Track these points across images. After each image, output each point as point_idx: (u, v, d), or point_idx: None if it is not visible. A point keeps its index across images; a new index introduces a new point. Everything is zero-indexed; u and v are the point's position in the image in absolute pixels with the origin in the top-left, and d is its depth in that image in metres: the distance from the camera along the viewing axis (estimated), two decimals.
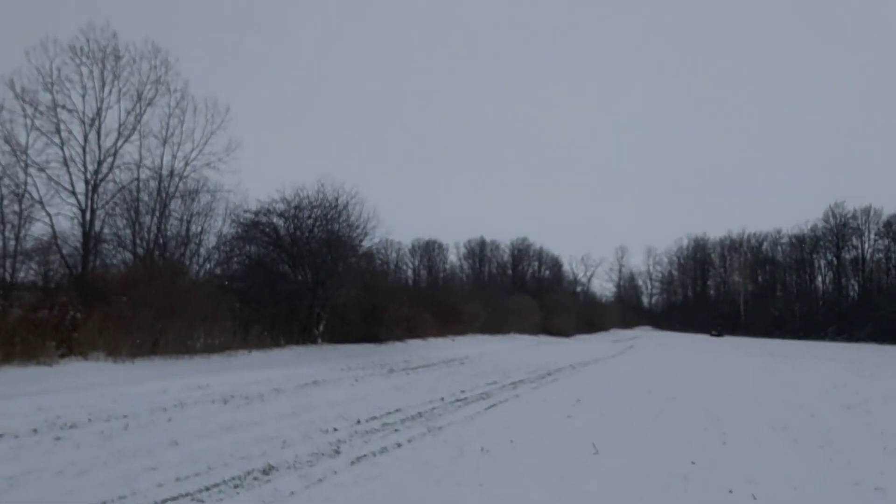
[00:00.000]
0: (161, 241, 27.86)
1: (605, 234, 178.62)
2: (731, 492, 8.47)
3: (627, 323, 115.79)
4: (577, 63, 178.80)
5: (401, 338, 33.61)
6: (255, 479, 8.42)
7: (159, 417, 12.50)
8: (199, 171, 29.36)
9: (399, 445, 10.69)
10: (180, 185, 28.99)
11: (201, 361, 20.16)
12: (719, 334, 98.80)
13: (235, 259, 29.15)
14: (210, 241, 30.28)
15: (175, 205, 28.79)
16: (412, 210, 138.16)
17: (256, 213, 29.46)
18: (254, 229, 29.10)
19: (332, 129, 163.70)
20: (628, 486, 8.69)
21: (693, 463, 10.15)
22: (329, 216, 30.18)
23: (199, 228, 29.67)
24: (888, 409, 17.93)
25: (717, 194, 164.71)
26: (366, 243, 31.93)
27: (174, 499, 7.43)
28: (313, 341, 27.87)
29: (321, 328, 28.66)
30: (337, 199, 30.38)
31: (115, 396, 14.58)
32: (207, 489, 7.85)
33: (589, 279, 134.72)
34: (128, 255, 27.65)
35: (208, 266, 30.17)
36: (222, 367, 19.60)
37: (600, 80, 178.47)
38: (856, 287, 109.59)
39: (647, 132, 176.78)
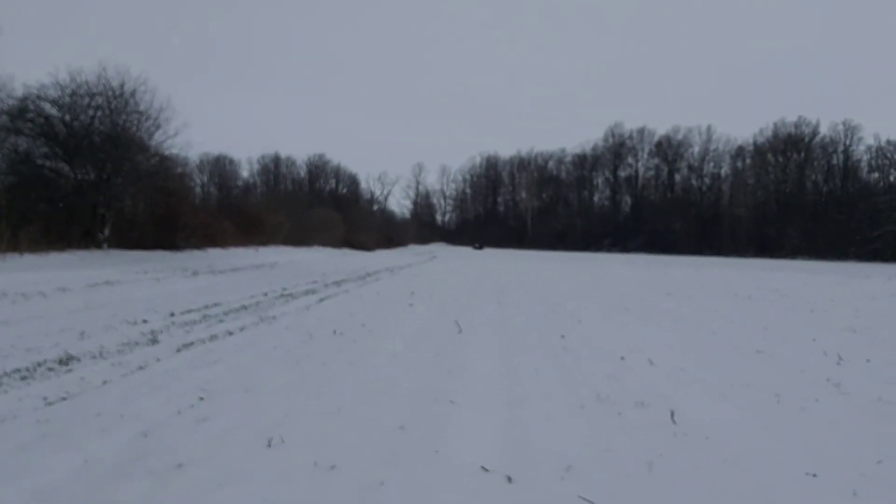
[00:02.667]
0: None
1: (402, 153, 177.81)
2: (681, 370, 7.68)
3: (424, 239, 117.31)
4: None
5: (199, 246, 30.51)
6: (50, 369, 6.35)
7: None
8: None
9: (231, 333, 8.90)
10: None
11: None
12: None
13: None
14: None
15: None
16: (197, 123, 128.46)
17: (23, 100, 24.66)
18: (20, 119, 24.39)
19: (107, 34, 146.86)
20: (508, 362, 7.64)
21: (563, 337, 9.40)
22: (113, 106, 26.05)
23: None
24: (703, 294, 18.72)
25: (509, 114, 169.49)
26: (158, 137, 28.06)
27: None
28: (98, 246, 24.27)
29: (106, 232, 25.02)
30: (122, 86, 26.25)
31: None
32: None
33: (386, 197, 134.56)
34: None
35: None
36: None
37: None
38: (629, 202, 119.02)
39: (443, 53, 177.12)
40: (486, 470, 3.88)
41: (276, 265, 27.56)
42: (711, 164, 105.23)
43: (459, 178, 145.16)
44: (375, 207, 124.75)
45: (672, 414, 5.20)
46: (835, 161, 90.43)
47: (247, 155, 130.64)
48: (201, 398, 5.38)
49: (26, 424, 4.59)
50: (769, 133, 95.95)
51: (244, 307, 12.03)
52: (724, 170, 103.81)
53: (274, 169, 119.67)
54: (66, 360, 6.72)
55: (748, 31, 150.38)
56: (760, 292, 19.91)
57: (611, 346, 8.67)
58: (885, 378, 7.05)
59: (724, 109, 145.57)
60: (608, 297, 16.61)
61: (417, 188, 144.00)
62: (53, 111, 25.44)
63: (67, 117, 25.63)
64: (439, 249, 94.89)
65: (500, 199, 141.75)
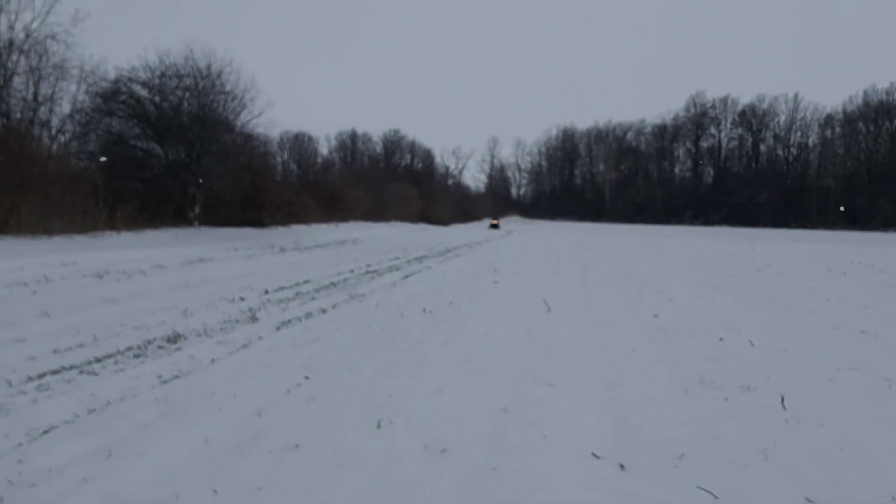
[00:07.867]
0: (2, 106, 23.31)
1: (476, 127, 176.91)
2: (783, 352, 7.50)
3: (498, 213, 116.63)
4: None
5: (284, 223, 31.37)
6: (160, 347, 6.63)
7: (20, 291, 10.22)
8: (43, 44, 25.05)
9: (324, 311, 9.09)
10: (21, 59, 24.53)
11: (63, 241, 17.39)
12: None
13: (94, 133, 25.41)
14: (63, 108, 26.01)
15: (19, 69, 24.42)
16: (277, 102, 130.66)
17: (115, 82, 25.68)
18: (113, 100, 25.42)
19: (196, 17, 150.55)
20: (602, 341, 7.56)
21: (656, 316, 9.22)
22: (201, 87, 26.84)
23: (51, 92, 25.29)
24: (794, 270, 18.11)
25: (586, 85, 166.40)
26: (244, 117, 28.80)
27: (56, 372, 5.56)
28: (189, 224, 25.19)
29: (197, 210, 25.93)
30: (209, 68, 27.01)
31: None
32: (99, 360, 6.02)
33: (460, 171, 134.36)
34: None
35: (63, 139, 26.16)
36: (89, 247, 16.96)
37: None
38: (711, 174, 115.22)
39: (517, 23, 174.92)
40: (598, 457, 3.86)
41: (357, 241, 28.01)
42: (798, 134, 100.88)
43: (535, 150, 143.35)
44: (450, 181, 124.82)
45: (782, 399, 5.05)
46: None
47: (324, 132, 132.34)
48: (307, 377, 5.52)
49: (146, 403, 4.81)
50: (859, 101, 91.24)
51: (333, 284, 12.28)
52: (812, 139, 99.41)
53: (351, 145, 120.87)
54: (174, 339, 7.00)
55: None
56: (855, 268, 19.10)
57: (706, 326, 8.48)
58: None
59: (812, 76, 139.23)
60: (696, 274, 16.24)
61: (492, 162, 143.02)
62: (144, 93, 26.42)
63: (157, 98, 26.57)
64: (514, 223, 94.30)
65: (576, 172, 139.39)
